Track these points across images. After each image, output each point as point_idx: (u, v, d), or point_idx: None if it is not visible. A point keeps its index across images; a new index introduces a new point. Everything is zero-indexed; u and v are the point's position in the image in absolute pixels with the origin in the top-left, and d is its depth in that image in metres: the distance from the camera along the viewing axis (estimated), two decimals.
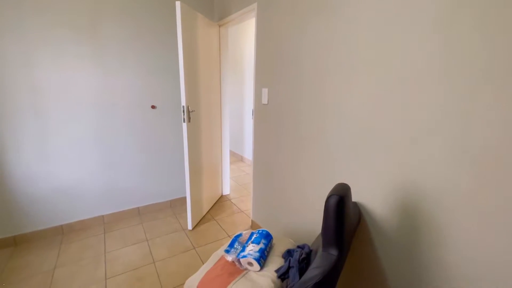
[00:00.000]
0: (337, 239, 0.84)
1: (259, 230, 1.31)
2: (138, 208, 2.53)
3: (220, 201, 2.87)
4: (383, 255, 1.21)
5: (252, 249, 1.19)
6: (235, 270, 1.17)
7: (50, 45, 1.90)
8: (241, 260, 1.18)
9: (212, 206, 2.73)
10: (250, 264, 1.17)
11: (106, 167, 2.29)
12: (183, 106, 1.98)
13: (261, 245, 1.22)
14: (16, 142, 1.92)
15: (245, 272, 1.16)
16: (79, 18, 1.97)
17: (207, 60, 2.33)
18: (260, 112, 1.99)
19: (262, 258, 1.18)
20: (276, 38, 1.72)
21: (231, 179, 3.55)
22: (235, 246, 1.28)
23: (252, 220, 2.32)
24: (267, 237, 1.28)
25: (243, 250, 1.22)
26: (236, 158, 4.65)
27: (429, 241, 1.03)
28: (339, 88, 1.31)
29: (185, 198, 2.77)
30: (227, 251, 1.25)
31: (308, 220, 1.63)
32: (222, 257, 1.26)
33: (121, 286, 1.65)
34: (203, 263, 1.86)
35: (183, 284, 1.67)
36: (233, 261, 1.20)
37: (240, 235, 1.37)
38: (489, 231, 0.84)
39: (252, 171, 2.21)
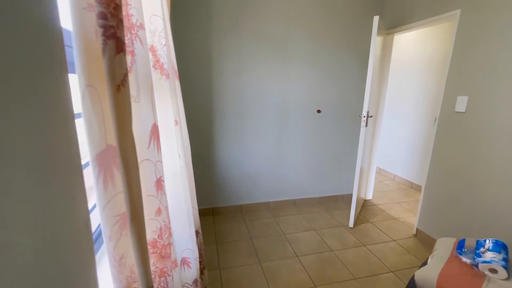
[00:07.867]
0: None
1: (492, 240, 1.31)
2: (294, 200, 2.87)
3: (366, 205, 2.93)
4: None
5: (495, 257, 1.21)
6: (475, 272, 1.21)
7: (254, 58, 2.40)
8: (480, 265, 1.21)
9: (361, 209, 2.82)
10: (492, 270, 1.19)
11: (276, 161, 2.70)
12: (366, 112, 2.14)
13: (503, 255, 1.22)
14: (223, 136, 2.51)
15: (488, 277, 1.19)
16: (275, 39, 2.41)
17: (378, 69, 2.44)
18: (449, 120, 1.95)
19: (508, 268, 1.18)
20: (487, 44, 1.66)
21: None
22: (464, 250, 1.32)
23: (417, 229, 2.28)
24: (505, 247, 1.27)
25: (478, 255, 1.25)
26: None
27: None
28: None
29: (333, 196, 2.97)
30: (459, 253, 1.31)
31: None
32: (452, 258, 1.32)
33: (313, 264, 1.93)
34: (381, 261, 1.96)
35: (370, 275, 1.82)
36: (471, 264, 1.25)
37: (464, 240, 1.39)
38: None
39: (426, 179, 2.18)
